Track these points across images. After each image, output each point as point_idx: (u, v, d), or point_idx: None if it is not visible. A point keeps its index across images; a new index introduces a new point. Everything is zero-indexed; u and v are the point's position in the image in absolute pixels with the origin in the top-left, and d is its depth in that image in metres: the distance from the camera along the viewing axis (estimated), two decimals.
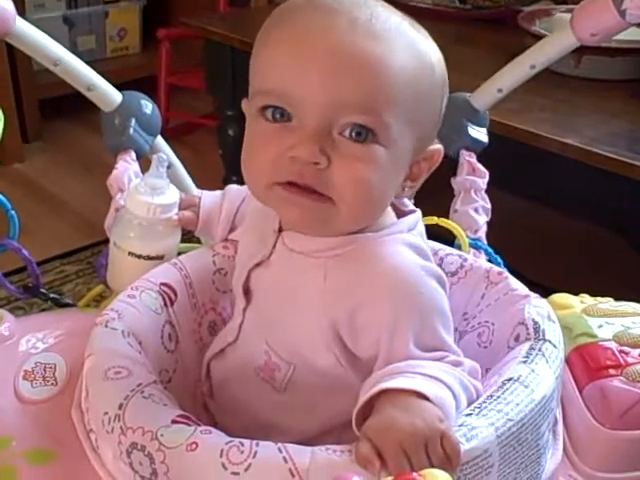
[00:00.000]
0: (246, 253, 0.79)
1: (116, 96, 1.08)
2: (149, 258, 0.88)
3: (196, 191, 1.00)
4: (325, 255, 0.71)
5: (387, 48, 0.66)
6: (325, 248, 0.71)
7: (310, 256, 0.71)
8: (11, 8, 0.95)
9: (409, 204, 0.77)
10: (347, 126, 0.66)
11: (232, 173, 2.04)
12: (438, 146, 0.73)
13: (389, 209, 0.74)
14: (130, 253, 0.88)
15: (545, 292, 0.91)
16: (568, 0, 1.96)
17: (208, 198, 0.91)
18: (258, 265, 0.76)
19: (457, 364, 0.67)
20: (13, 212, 0.94)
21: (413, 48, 0.68)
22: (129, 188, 0.89)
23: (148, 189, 0.87)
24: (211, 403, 0.81)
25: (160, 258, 0.88)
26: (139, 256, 0.88)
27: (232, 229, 0.89)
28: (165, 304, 0.81)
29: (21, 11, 0.96)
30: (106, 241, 1.03)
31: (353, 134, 0.66)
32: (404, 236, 0.71)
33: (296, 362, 0.72)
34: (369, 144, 0.66)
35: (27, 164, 2.39)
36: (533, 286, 0.82)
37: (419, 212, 0.76)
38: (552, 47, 1.07)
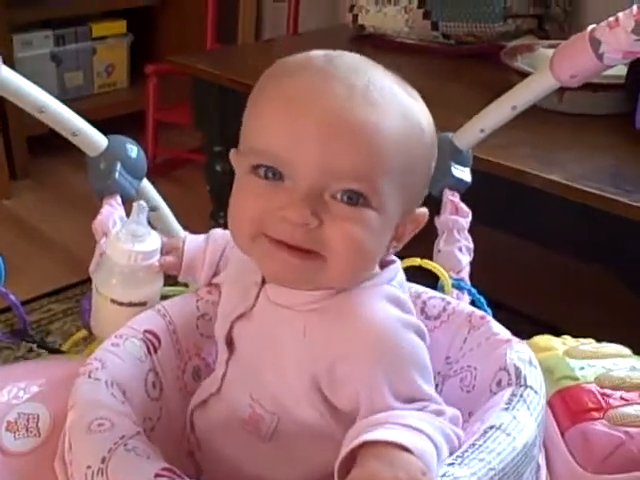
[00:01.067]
0: (228, 304, 0.79)
1: (101, 140, 1.09)
2: (131, 305, 0.88)
3: (182, 233, 1.00)
4: (306, 309, 0.71)
5: (382, 115, 0.67)
6: (306, 302, 0.71)
7: (292, 309, 0.72)
8: None
9: (389, 253, 0.78)
10: (340, 191, 0.67)
11: (220, 209, 2.05)
12: (424, 210, 0.75)
13: None
14: (112, 300, 0.88)
15: (532, 324, 0.91)
16: (551, 35, 1.99)
17: (192, 242, 0.91)
18: (240, 317, 0.76)
19: (439, 413, 0.67)
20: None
21: (406, 113, 0.69)
22: (110, 235, 0.89)
23: (129, 236, 0.87)
24: (198, 454, 0.80)
25: (143, 304, 0.88)
26: (121, 303, 0.88)
27: (216, 273, 0.89)
28: (149, 352, 0.81)
29: (9, 49, 0.97)
30: None
31: (345, 198, 0.67)
32: (383, 288, 0.72)
33: (280, 413, 0.72)
34: (361, 207, 0.67)
35: (14, 201, 2.39)
36: (521, 318, 0.82)
37: (398, 262, 0.77)
38: (532, 89, 1.08)
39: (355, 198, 0.67)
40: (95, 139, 1.09)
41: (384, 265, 0.75)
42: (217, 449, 0.77)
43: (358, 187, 0.67)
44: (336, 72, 0.67)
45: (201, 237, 0.92)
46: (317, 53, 0.71)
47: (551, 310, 1.70)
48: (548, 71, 1.04)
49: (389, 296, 0.71)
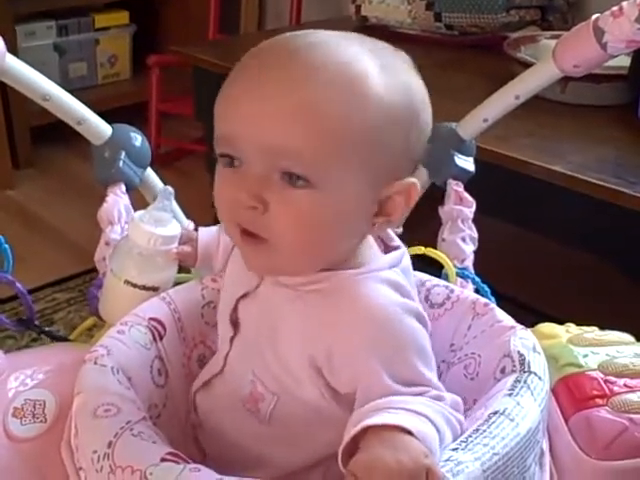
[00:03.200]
0: (234, 283, 0.79)
1: (106, 129, 1.09)
2: (144, 288, 0.88)
3: (186, 222, 1.01)
4: (306, 289, 0.71)
5: (321, 94, 0.65)
6: (307, 282, 0.71)
7: (294, 289, 0.72)
8: (1, 46, 0.96)
9: (395, 239, 0.78)
10: (280, 173, 0.66)
11: None
12: (412, 180, 0.70)
13: (372, 244, 0.75)
14: (126, 281, 0.89)
15: (535, 315, 0.91)
16: (554, 26, 1.98)
17: (205, 232, 0.92)
18: (245, 296, 0.77)
19: (439, 398, 0.67)
20: (7, 246, 0.95)
21: (353, 88, 0.66)
22: (133, 217, 0.90)
23: (152, 220, 0.88)
24: (200, 433, 0.81)
25: (155, 289, 0.89)
26: (135, 285, 0.88)
27: None
28: (154, 339, 0.82)
29: (12, 39, 0.97)
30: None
31: (286, 179, 0.66)
32: (384, 274, 0.71)
33: (280, 393, 0.73)
34: (302, 189, 0.66)
35: (18, 191, 2.39)
36: (523, 309, 0.83)
37: (404, 248, 0.77)
38: (536, 78, 1.08)
39: (294, 179, 0.66)
40: (100, 128, 1.09)
41: (388, 251, 0.76)
42: (218, 429, 0.78)
43: (297, 169, 0.65)
44: (278, 53, 0.67)
45: (213, 228, 0.93)
46: (279, 36, 0.70)
47: (552, 300, 1.70)
48: (551, 61, 1.04)
49: (389, 281, 0.71)
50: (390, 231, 0.78)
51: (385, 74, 0.67)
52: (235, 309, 0.77)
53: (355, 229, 0.71)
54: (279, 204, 0.66)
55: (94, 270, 1.88)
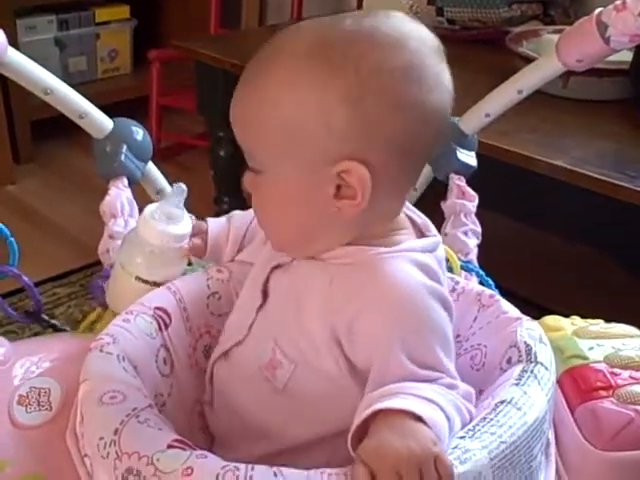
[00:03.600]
0: (269, 255, 0.80)
1: (107, 123, 1.09)
2: (155, 284, 0.88)
3: (187, 216, 1.01)
4: (336, 262, 0.73)
5: (256, 98, 0.71)
6: (339, 255, 0.73)
7: (325, 261, 0.74)
8: (2, 39, 0.96)
9: (433, 230, 0.78)
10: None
11: (223, 194, 2.05)
12: (349, 164, 0.69)
13: (409, 231, 0.76)
14: (137, 277, 0.88)
15: (537, 310, 0.91)
16: (556, 21, 1.99)
17: (214, 223, 0.93)
18: (278, 267, 0.78)
19: (452, 387, 0.67)
20: (12, 240, 0.95)
21: (270, 97, 0.71)
22: (144, 214, 0.90)
23: (164, 217, 0.87)
24: (210, 413, 0.82)
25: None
26: (146, 281, 0.88)
27: (239, 250, 0.91)
28: (160, 328, 0.81)
29: (13, 34, 0.97)
30: (99, 263, 1.04)
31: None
32: (415, 255, 0.72)
33: (299, 361, 0.73)
34: (259, 176, 0.74)
35: (19, 186, 2.39)
36: (525, 304, 0.83)
37: (439, 238, 0.78)
38: (538, 73, 1.08)
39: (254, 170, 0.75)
40: (101, 122, 1.09)
41: (423, 236, 0.77)
42: (230, 401, 0.79)
43: (251, 163, 0.74)
44: (249, 68, 0.74)
45: (222, 219, 0.93)
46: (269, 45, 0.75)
47: (553, 294, 1.70)
48: (554, 55, 1.04)
49: (420, 263, 0.72)
50: (432, 226, 0.79)
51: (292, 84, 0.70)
52: (267, 279, 0.79)
53: (316, 209, 0.72)
54: (253, 191, 0.76)
55: (95, 264, 1.89)
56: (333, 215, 0.72)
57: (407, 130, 0.70)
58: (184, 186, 0.89)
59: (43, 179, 2.44)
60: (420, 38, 0.71)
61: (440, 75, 0.71)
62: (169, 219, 0.88)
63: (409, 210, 0.78)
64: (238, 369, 0.79)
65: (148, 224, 0.87)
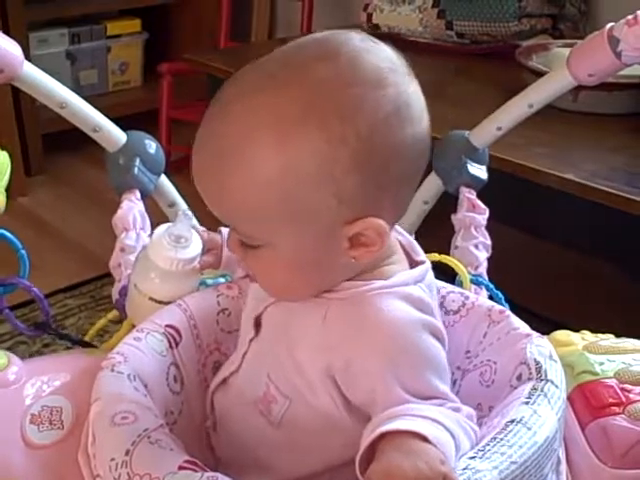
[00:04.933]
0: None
1: (121, 136, 1.10)
2: (168, 304, 0.88)
3: (200, 228, 1.01)
4: (329, 297, 0.72)
5: (236, 181, 0.67)
6: (333, 290, 0.72)
7: (319, 296, 0.73)
8: (19, 53, 0.96)
9: (421, 253, 0.78)
10: (240, 241, 0.73)
11: None
12: (364, 222, 0.68)
13: (400, 258, 0.75)
14: (151, 298, 0.89)
15: (547, 324, 0.91)
16: (565, 35, 1.99)
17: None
18: (274, 302, 0.77)
19: (456, 410, 0.67)
20: (23, 252, 0.95)
21: (256, 174, 0.66)
22: (153, 237, 0.89)
23: (173, 241, 0.87)
24: (214, 436, 0.81)
25: None
26: (160, 302, 0.88)
27: None
28: (170, 346, 0.82)
29: (25, 47, 0.98)
30: (109, 275, 1.04)
31: (245, 244, 0.72)
32: (408, 289, 0.72)
33: (293, 397, 0.73)
34: (260, 248, 0.71)
35: (30, 198, 2.40)
36: (535, 318, 0.83)
37: (428, 263, 0.77)
38: (549, 87, 1.08)
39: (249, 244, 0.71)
40: (114, 135, 1.10)
41: (414, 265, 0.76)
42: (232, 430, 0.79)
43: (245, 239, 0.71)
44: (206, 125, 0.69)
45: None
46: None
47: (565, 309, 1.70)
48: (565, 69, 1.04)
49: (412, 297, 0.71)
50: (416, 245, 0.79)
51: (281, 143, 0.65)
52: (261, 313, 0.78)
53: (328, 267, 0.71)
54: (248, 259, 0.73)
55: (105, 276, 1.90)
56: (347, 263, 0.71)
57: (410, 166, 0.70)
58: (190, 213, 0.89)
59: (54, 191, 2.45)
60: (393, 66, 0.68)
61: (420, 96, 0.69)
62: (178, 243, 0.87)
63: (394, 231, 0.77)
64: (236, 398, 0.79)
65: (158, 248, 0.87)
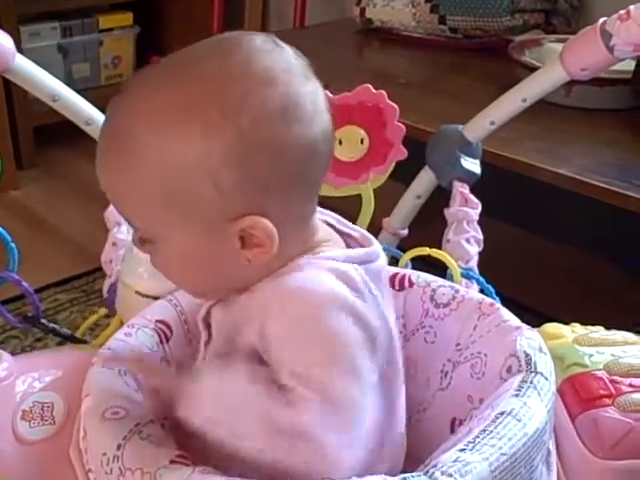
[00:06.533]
0: None
1: None
2: (156, 298, 0.88)
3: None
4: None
5: (126, 168, 0.66)
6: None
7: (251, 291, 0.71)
8: (10, 45, 0.97)
9: (374, 242, 0.75)
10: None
11: None
12: (249, 219, 0.66)
13: (328, 240, 0.73)
14: (137, 292, 0.89)
15: (538, 318, 0.91)
16: (558, 30, 1.99)
17: None
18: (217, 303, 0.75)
19: (290, 404, 0.63)
20: (13, 245, 0.95)
21: (130, 165, 0.66)
22: None
23: None
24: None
25: None
26: (146, 295, 0.88)
27: None
28: (161, 341, 0.82)
29: (17, 40, 0.98)
30: (100, 269, 1.04)
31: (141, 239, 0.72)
32: (336, 264, 0.68)
33: None
34: (152, 245, 0.71)
35: (22, 191, 2.39)
36: (526, 311, 0.83)
37: (376, 248, 0.74)
38: (543, 81, 1.09)
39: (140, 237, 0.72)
40: None
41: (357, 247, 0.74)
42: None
43: (134, 230, 0.72)
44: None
45: None
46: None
47: (556, 303, 1.70)
48: (559, 64, 1.04)
49: (339, 272, 0.68)
50: (367, 234, 0.76)
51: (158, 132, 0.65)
52: (207, 314, 0.76)
53: (227, 266, 0.69)
54: (151, 255, 0.72)
55: (97, 270, 1.90)
56: (245, 265, 0.68)
57: (298, 167, 0.67)
58: None
59: (46, 185, 2.44)
60: (288, 67, 0.67)
61: (315, 99, 0.68)
62: None
63: (343, 226, 0.76)
64: None
65: None
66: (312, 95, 0.67)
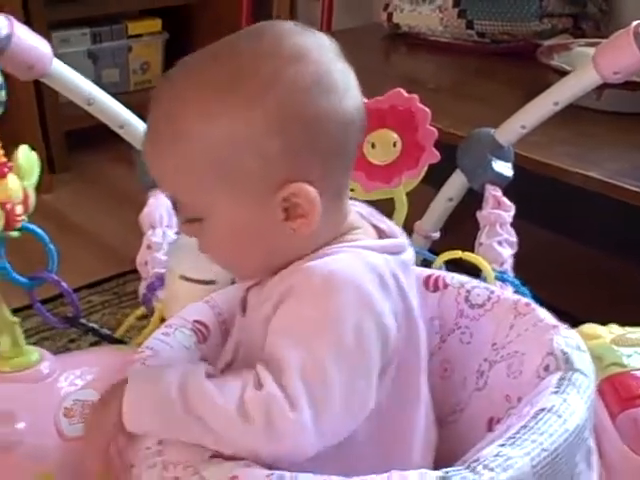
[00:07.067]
0: None
1: None
2: (200, 282, 0.89)
3: None
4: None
5: (176, 146, 0.70)
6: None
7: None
8: (48, 50, 0.98)
9: (401, 236, 0.77)
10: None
11: None
12: (293, 186, 0.69)
13: (359, 227, 0.75)
14: (181, 276, 0.90)
15: (573, 323, 0.92)
16: (587, 34, 1.98)
17: None
18: (254, 285, 0.78)
19: (258, 385, 0.65)
20: (51, 246, 0.97)
21: (178, 138, 0.69)
22: None
23: None
24: None
25: (212, 283, 0.90)
26: (190, 279, 0.89)
27: None
28: (199, 341, 0.83)
29: None
30: (132, 271, 1.05)
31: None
32: (369, 255, 0.71)
33: None
34: (197, 225, 0.73)
35: (54, 195, 2.41)
36: (562, 316, 0.83)
37: (404, 241, 0.77)
38: (575, 85, 1.09)
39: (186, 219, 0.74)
40: (141, 131, 1.11)
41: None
42: None
43: (183, 211, 0.73)
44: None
45: None
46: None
47: (587, 307, 1.69)
48: (591, 67, 1.05)
49: (371, 265, 0.70)
50: (396, 229, 0.78)
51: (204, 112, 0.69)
52: (245, 295, 0.79)
53: (270, 240, 0.72)
54: (197, 237, 0.74)
55: (128, 273, 1.91)
56: (289, 236, 0.71)
57: (335, 136, 0.71)
58: None
59: (77, 189, 2.46)
60: (321, 47, 0.71)
61: (347, 76, 0.72)
62: None
63: (373, 218, 0.78)
64: None
65: None
66: (343, 73, 0.72)
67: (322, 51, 0.71)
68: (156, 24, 2.81)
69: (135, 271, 1.89)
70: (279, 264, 0.73)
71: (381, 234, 0.77)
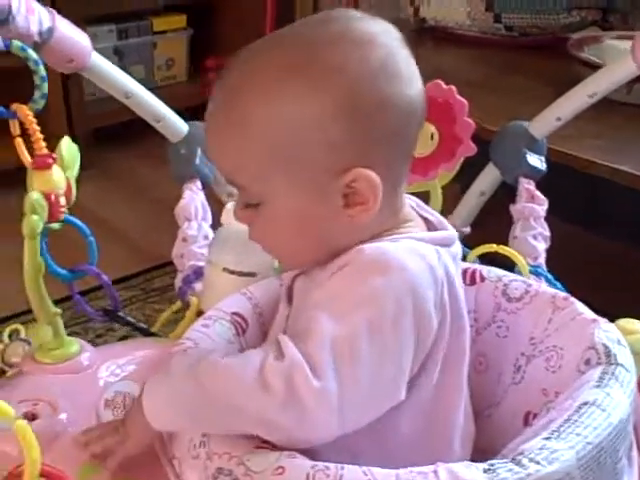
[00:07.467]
0: None
1: (182, 127, 1.12)
2: (242, 274, 0.89)
3: None
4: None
5: (220, 119, 0.71)
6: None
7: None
8: (87, 43, 0.99)
9: (449, 227, 0.77)
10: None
11: None
12: (356, 172, 0.69)
13: (412, 219, 0.75)
14: (224, 269, 0.90)
15: (609, 319, 0.91)
16: (615, 27, 1.97)
17: None
18: (300, 274, 0.78)
19: (279, 357, 0.64)
20: (92, 238, 0.97)
21: (247, 123, 0.69)
22: (227, 205, 0.91)
23: None
24: None
25: (253, 275, 0.90)
26: (232, 272, 0.89)
27: None
28: (237, 333, 0.83)
29: None
30: (158, 267, 1.06)
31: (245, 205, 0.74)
32: (419, 245, 0.71)
33: None
34: (254, 210, 0.72)
35: (81, 191, 2.43)
36: (597, 313, 0.82)
37: (454, 232, 0.77)
38: (612, 75, 1.09)
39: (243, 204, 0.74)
40: (177, 125, 1.12)
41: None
42: None
43: (241, 194, 0.73)
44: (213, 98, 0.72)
45: None
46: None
47: (623, 302, 1.69)
48: (629, 58, 1.04)
49: (422, 255, 0.70)
50: (444, 220, 0.78)
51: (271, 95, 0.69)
52: (291, 284, 0.79)
53: (327, 226, 0.72)
54: (252, 224, 0.74)
55: (154, 269, 1.91)
56: (347, 224, 0.71)
57: (399, 122, 0.71)
58: None
59: (103, 185, 2.47)
60: (386, 32, 0.71)
61: (411, 64, 0.72)
62: None
63: (422, 209, 0.78)
64: None
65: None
66: (407, 60, 0.72)
67: (388, 37, 0.71)
68: (181, 20, 2.82)
69: (160, 267, 1.91)
70: (331, 253, 0.72)
71: (429, 226, 0.76)
